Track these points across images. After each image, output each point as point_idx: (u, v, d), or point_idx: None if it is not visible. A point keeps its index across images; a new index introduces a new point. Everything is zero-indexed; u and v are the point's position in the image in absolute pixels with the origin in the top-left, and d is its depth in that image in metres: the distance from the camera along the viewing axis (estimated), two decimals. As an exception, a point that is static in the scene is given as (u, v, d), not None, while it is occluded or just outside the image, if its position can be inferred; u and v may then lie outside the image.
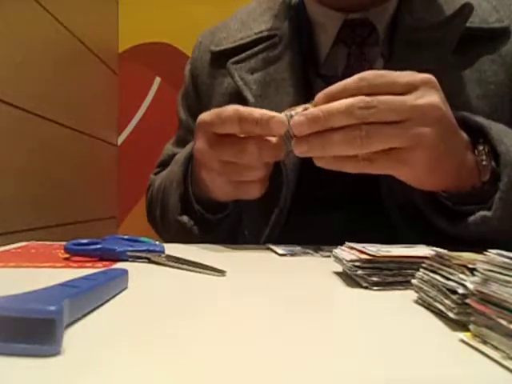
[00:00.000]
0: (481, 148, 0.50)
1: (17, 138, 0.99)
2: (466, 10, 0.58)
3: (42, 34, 1.10)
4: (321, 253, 0.50)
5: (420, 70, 0.54)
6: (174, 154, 0.78)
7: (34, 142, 1.05)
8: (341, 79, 0.63)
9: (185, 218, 0.61)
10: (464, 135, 0.50)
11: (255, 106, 0.64)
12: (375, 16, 0.64)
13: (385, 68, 0.63)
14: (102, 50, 1.50)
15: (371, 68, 0.64)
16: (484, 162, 0.49)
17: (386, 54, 0.64)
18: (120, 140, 1.65)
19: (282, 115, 0.48)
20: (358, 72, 0.63)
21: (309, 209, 0.64)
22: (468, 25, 0.60)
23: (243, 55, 0.69)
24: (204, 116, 0.52)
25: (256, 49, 0.69)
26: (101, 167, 1.49)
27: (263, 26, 0.70)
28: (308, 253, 0.50)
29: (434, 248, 0.31)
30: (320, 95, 0.47)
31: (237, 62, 0.69)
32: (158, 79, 1.63)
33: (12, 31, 0.96)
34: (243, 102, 0.64)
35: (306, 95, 0.66)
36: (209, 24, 0.81)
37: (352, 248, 0.38)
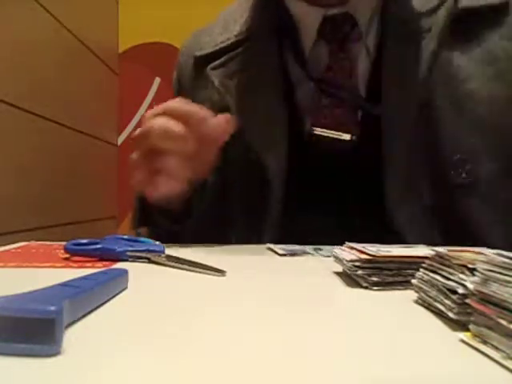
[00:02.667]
0: None
1: (16, 138, 0.99)
2: None
3: (42, 33, 1.10)
4: (321, 253, 0.50)
5: (416, 61, 0.55)
6: None
7: (33, 141, 1.05)
8: (322, 80, 0.63)
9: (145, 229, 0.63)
10: None
11: (237, 112, 0.63)
12: (356, 9, 0.62)
13: (373, 64, 0.62)
14: (102, 50, 1.49)
15: (353, 68, 0.63)
16: None
17: (372, 48, 0.62)
18: (120, 140, 1.65)
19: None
20: (340, 73, 0.62)
21: (299, 211, 0.62)
22: (464, 4, 0.57)
23: (222, 59, 0.67)
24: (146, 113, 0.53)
25: (234, 52, 0.67)
26: (101, 167, 1.49)
27: (243, 27, 0.68)
28: (308, 253, 0.50)
29: (434, 248, 0.31)
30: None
31: (216, 67, 0.67)
32: (157, 79, 1.63)
33: (12, 31, 0.96)
34: (225, 108, 0.63)
35: (287, 98, 0.64)
36: (209, 24, 0.81)
37: (352, 248, 0.38)
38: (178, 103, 0.52)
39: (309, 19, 0.63)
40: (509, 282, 0.21)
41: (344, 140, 0.61)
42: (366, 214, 0.58)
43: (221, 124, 0.52)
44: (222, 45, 0.68)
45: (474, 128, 0.58)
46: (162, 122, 0.50)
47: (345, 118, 0.62)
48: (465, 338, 0.23)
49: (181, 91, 0.75)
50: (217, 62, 0.67)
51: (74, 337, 0.22)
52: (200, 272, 0.39)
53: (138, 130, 0.51)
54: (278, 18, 0.66)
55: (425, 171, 0.59)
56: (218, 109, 0.64)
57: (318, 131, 0.62)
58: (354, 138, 0.61)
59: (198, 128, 0.51)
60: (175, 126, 0.50)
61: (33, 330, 0.20)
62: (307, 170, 0.63)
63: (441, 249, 0.30)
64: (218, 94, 0.66)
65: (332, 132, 0.62)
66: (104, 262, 0.42)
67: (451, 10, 0.57)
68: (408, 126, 0.58)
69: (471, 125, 0.58)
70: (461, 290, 0.25)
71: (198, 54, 0.70)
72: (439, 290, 0.27)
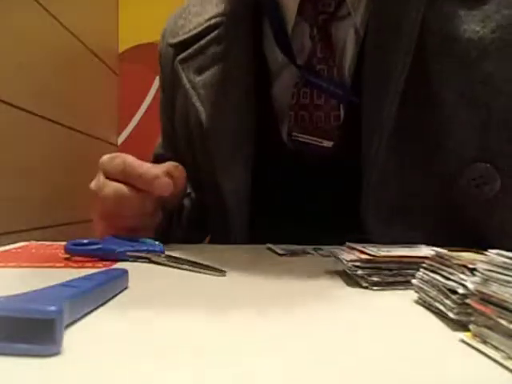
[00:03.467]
0: None
1: (16, 138, 0.99)
2: None
3: (42, 34, 1.10)
4: (321, 253, 0.50)
5: (397, 47, 0.46)
6: (160, 158, 0.72)
7: (33, 141, 1.05)
8: (304, 71, 0.54)
9: None
10: None
11: (204, 113, 0.57)
12: None
13: (361, 48, 0.52)
14: (102, 50, 1.50)
15: (340, 53, 0.54)
16: None
17: (360, 28, 0.53)
18: (120, 140, 1.65)
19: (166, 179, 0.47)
20: (324, 60, 0.53)
21: (270, 222, 0.58)
22: None
23: (190, 51, 0.58)
24: (103, 157, 0.50)
25: (203, 41, 0.58)
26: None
27: (215, 10, 0.58)
28: (308, 253, 0.50)
29: (434, 248, 0.31)
30: None
31: (184, 60, 0.59)
32: (158, 79, 1.63)
33: (12, 31, 0.96)
34: (194, 107, 0.57)
35: (261, 96, 0.57)
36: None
37: (352, 248, 0.38)
38: (131, 165, 0.47)
39: None
40: (509, 281, 0.21)
41: (324, 147, 0.55)
42: (340, 228, 0.47)
43: (168, 185, 0.47)
44: (194, 31, 0.59)
45: (497, 127, 0.47)
46: (115, 190, 0.47)
47: (325, 121, 0.55)
48: (465, 338, 0.23)
49: (163, 83, 0.70)
50: (185, 54, 0.59)
51: (74, 337, 0.22)
52: (200, 272, 0.39)
53: (94, 191, 0.49)
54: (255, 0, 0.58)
55: (420, 189, 0.51)
56: (190, 107, 0.58)
57: (296, 136, 0.56)
58: (334, 144, 0.55)
59: (151, 188, 0.47)
60: (129, 193, 0.47)
61: (33, 330, 0.20)
62: (279, 178, 0.57)
63: (441, 249, 0.30)
64: (185, 94, 0.59)
65: (311, 138, 0.55)
66: (104, 262, 0.42)
67: None
68: (388, 126, 0.48)
69: (494, 123, 0.47)
70: (461, 290, 0.25)
71: (173, 41, 0.62)
72: (439, 290, 0.27)
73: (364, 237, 0.49)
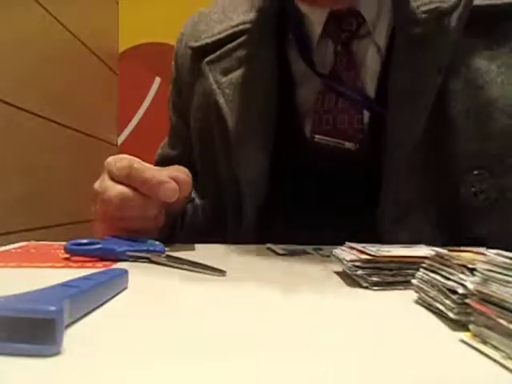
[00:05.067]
0: None
1: (16, 138, 0.99)
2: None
3: (43, 34, 1.10)
4: (321, 253, 0.50)
5: (428, 66, 0.50)
6: (169, 157, 0.76)
7: (33, 141, 1.05)
8: (329, 77, 0.59)
9: None
10: None
11: (228, 112, 0.60)
12: (364, 4, 0.58)
13: (384, 65, 0.57)
14: (102, 49, 1.50)
15: (361, 67, 0.58)
16: None
17: (383, 47, 0.58)
18: (120, 140, 1.65)
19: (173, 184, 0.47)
20: (346, 78, 0.58)
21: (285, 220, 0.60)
22: (482, 2, 0.52)
23: (218, 53, 0.62)
24: (109, 158, 0.51)
25: (231, 45, 0.62)
26: (101, 167, 1.49)
27: (241, 18, 0.63)
28: (308, 253, 0.50)
29: (434, 248, 0.31)
30: None
31: (212, 62, 0.63)
32: (157, 79, 1.63)
33: (12, 32, 0.96)
34: (217, 106, 0.61)
35: (286, 99, 0.61)
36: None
37: (352, 248, 0.38)
38: (136, 170, 0.48)
39: (314, 15, 0.60)
40: (509, 282, 0.21)
41: (346, 149, 0.58)
42: (356, 229, 0.48)
43: (174, 191, 0.48)
44: (219, 36, 0.63)
45: (497, 142, 0.52)
46: (119, 193, 0.48)
47: (348, 123, 0.58)
48: (465, 338, 0.23)
49: (178, 82, 0.72)
50: (212, 56, 0.63)
51: (74, 337, 0.22)
52: (200, 272, 0.39)
53: (97, 192, 0.49)
54: (281, 10, 0.62)
55: (432, 195, 0.54)
56: (212, 106, 0.62)
57: (319, 138, 0.59)
58: (357, 146, 0.57)
59: (156, 194, 0.48)
60: (133, 197, 0.48)
61: (33, 330, 0.20)
62: (297, 176, 0.60)
63: (441, 249, 0.30)
64: (210, 91, 0.62)
65: (334, 140, 0.58)
66: (104, 262, 0.42)
67: (469, 9, 0.51)
68: (414, 139, 0.52)
69: (493, 138, 0.52)
70: (461, 290, 0.25)
71: (195, 45, 0.66)
72: (439, 290, 0.27)
73: (375, 237, 0.49)
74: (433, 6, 0.53)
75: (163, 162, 0.78)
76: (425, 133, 0.52)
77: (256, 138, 0.60)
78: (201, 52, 0.65)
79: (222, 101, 0.60)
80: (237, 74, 0.61)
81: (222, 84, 0.61)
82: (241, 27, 0.62)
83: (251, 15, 0.62)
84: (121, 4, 1.63)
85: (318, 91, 0.60)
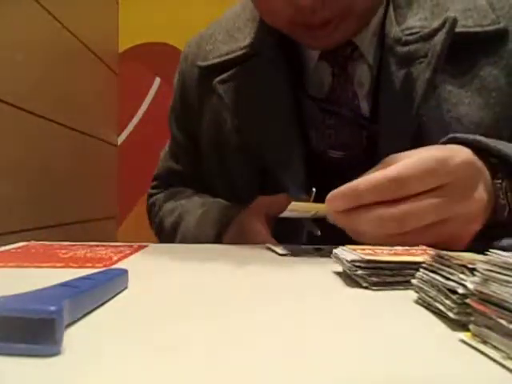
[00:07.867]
0: (498, 183, 0.45)
1: (16, 138, 0.99)
2: (450, 23, 0.55)
3: (42, 33, 1.10)
4: (321, 253, 0.50)
5: (412, 84, 0.54)
6: (173, 170, 0.80)
7: (33, 141, 1.05)
8: (326, 101, 0.64)
9: None
10: (486, 174, 0.45)
11: (240, 130, 0.65)
12: (357, 37, 0.62)
13: (375, 84, 0.61)
14: (102, 49, 1.50)
15: (356, 88, 0.62)
16: (502, 201, 0.45)
17: (373, 65, 0.62)
18: (120, 140, 1.65)
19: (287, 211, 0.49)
20: (343, 97, 0.63)
21: None
22: (460, 29, 0.57)
23: (229, 73, 0.66)
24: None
25: (241, 67, 0.66)
26: (101, 167, 1.49)
27: (248, 40, 0.67)
28: (308, 253, 0.50)
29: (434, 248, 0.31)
30: (336, 196, 0.44)
31: (223, 81, 0.66)
32: (157, 79, 1.63)
33: (12, 31, 0.96)
34: (234, 124, 0.65)
35: (293, 118, 0.64)
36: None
37: (352, 248, 0.38)
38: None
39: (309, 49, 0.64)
40: (509, 281, 0.21)
41: (349, 155, 0.62)
42: None
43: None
44: (228, 56, 0.67)
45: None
46: None
47: (350, 138, 0.63)
48: (465, 338, 0.23)
49: (184, 100, 0.75)
50: (224, 76, 0.66)
51: (74, 337, 0.22)
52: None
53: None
54: (282, 36, 0.65)
55: None
56: (222, 122, 0.67)
57: (323, 151, 0.64)
58: (357, 154, 0.62)
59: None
60: None
61: (33, 330, 0.20)
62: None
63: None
64: (226, 109, 0.66)
65: (337, 152, 0.63)
66: (104, 262, 0.42)
67: (449, 35, 0.56)
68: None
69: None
70: (461, 290, 0.24)
71: (202, 64, 0.70)
72: (439, 290, 0.27)
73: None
74: (414, 30, 0.58)
75: (168, 175, 0.83)
76: (411, 142, 0.55)
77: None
78: (208, 71, 0.68)
79: (240, 119, 0.65)
80: (249, 94, 0.65)
81: (235, 103, 0.65)
82: (249, 49, 0.66)
83: (259, 36, 0.66)
84: (121, 4, 1.63)
85: (318, 111, 0.64)
